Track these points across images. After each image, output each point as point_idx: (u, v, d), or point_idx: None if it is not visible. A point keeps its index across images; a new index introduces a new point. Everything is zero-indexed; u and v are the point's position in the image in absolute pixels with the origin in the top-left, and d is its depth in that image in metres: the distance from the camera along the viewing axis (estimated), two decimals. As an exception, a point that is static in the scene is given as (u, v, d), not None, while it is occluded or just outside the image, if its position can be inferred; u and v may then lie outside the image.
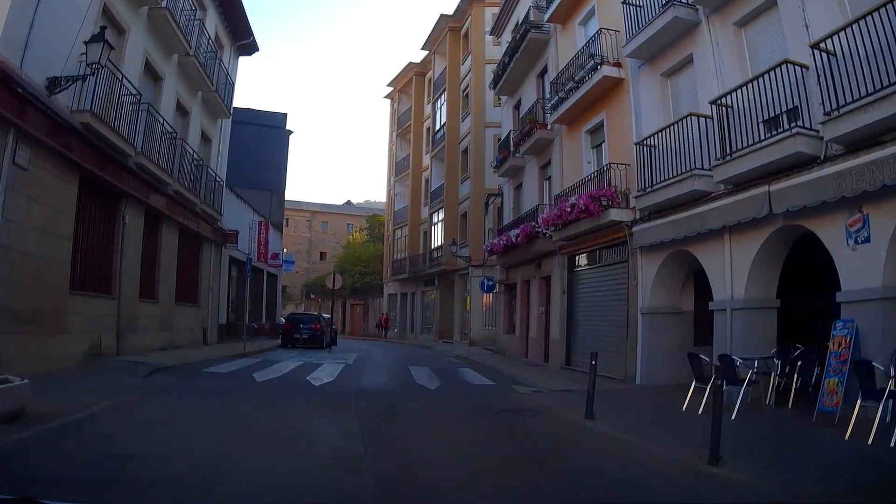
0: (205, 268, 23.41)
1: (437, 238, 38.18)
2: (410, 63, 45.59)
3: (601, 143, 18.34)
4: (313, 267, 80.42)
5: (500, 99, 30.96)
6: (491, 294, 29.87)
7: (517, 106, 26.24)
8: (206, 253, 23.43)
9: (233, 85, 25.29)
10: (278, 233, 37.61)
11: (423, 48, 43.69)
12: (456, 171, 36.77)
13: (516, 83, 25.68)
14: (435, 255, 37.89)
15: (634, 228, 15.25)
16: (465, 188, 35.46)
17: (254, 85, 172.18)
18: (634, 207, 15.46)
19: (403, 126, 47.10)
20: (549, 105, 20.63)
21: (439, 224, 37.88)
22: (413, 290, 43.53)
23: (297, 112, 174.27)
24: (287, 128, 40.33)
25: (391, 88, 50.46)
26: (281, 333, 29.05)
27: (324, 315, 36.20)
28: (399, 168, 47.61)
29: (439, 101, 40.07)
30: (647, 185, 14.32)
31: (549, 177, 22.07)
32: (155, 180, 17.29)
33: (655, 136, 14.03)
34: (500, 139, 33.01)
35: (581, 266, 19.15)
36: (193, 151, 20.80)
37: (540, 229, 20.26)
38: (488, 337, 32.27)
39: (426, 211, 41.24)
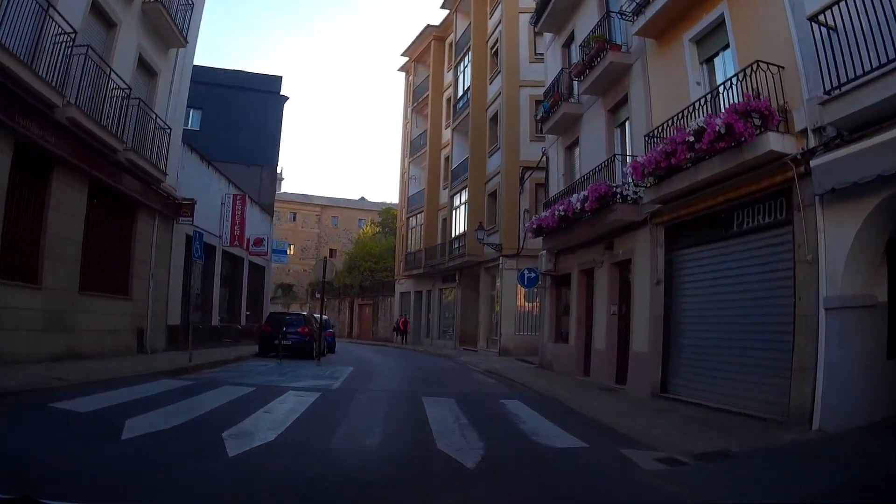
0: (141, 247, 17.06)
1: (459, 224, 31.68)
2: (428, 26, 39.21)
3: (719, 52, 11.86)
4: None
5: (537, 46, 24.49)
6: (533, 290, 23.36)
7: (568, 43, 19.76)
8: (143, 226, 17.10)
9: (191, 6, 18.93)
10: (267, 216, 31.30)
11: (442, 6, 37.35)
12: (482, 144, 30.28)
13: (567, 12, 19.19)
14: (456, 246, 31.40)
15: (815, 162, 8.68)
16: (495, 162, 28.95)
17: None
18: (806, 129, 8.97)
19: (420, 99, 40.69)
20: (630, 10, 14.13)
21: (462, 208, 31.38)
22: (429, 288, 37.06)
23: (308, 100, 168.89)
24: (282, 93, 34.04)
25: (406, 59, 44.07)
26: (258, 339, 22.63)
27: (317, 315, 29.81)
28: (414, 147, 41.20)
29: (462, 65, 33.62)
30: (833, 87, 7.92)
31: (626, 120, 15.60)
32: (33, 98, 10.98)
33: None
34: (538, 100, 26.65)
35: (691, 240, 12.53)
36: (120, 79, 14.48)
37: (619, 189, 13.74)
38: (524, 345, 25.71)
39: (445, 195, 34.78)
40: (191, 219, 18.92)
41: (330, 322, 29.46)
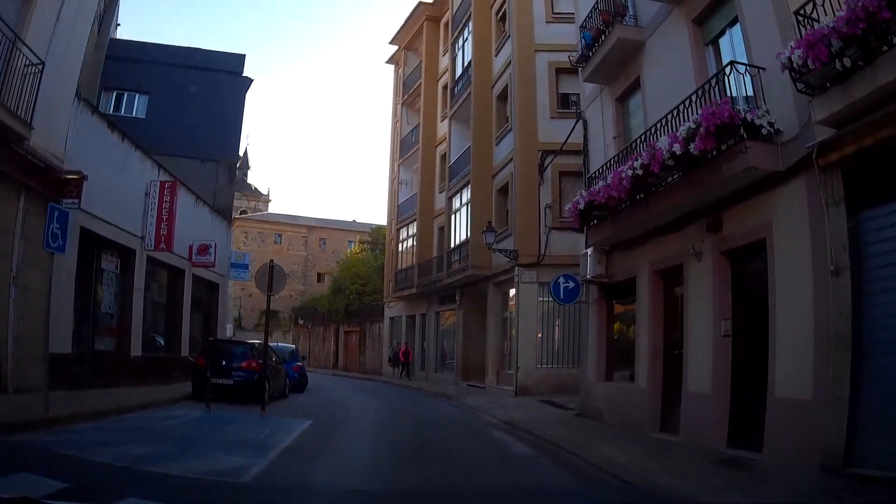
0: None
1: (460, 232, 25.67)
2: (421, 4, 33.52)
3: None
4: (310, 290, 68.24)
5: (555, 3, 18.81)
6: (563, 307, 17.47)
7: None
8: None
9: None
10: (222, 221, 25.24)
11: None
12: (487, 129, 24.41)
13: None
14: (456, 258, 25.37)
15: None
16: (504, 149, 23.07)
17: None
18: None
19: (411, 90, 34.89)
20: None
21: (462, 210, 25.40)
22: (423, 311, 30.90)
23: (294, 115, 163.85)
24: (245, 74, 28.22)
25: (395, 48, 38.41)
26: (190, 376, 16.44)
27: (283, 345, 23.77)
28: (405, 147, 35.32)
29: (461, 39, 27.90)
30: None
31: (725, 29, 9.81)
32: None
33: None
34: (559, 67, 21.03)
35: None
36: None
37: (750, 117, 7.85)
38: (547, 380, 19.67)
39: (442, 199, 28.84)
40: (76, 201, 12.90)
41: (298, 353, 23.26)
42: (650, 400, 11.48)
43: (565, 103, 21.31)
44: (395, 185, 36.30)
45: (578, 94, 17.72)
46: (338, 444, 10.32)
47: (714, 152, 8.31)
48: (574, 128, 17.06)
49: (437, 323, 29.73)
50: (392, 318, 35.69)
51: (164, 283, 20.57)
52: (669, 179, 9.51)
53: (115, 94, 24.92)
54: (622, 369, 13.49)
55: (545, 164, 20.87)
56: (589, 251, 13.60)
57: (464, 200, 25.17)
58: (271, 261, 13.75)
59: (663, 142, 9.06)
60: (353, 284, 46.39)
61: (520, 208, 21.06)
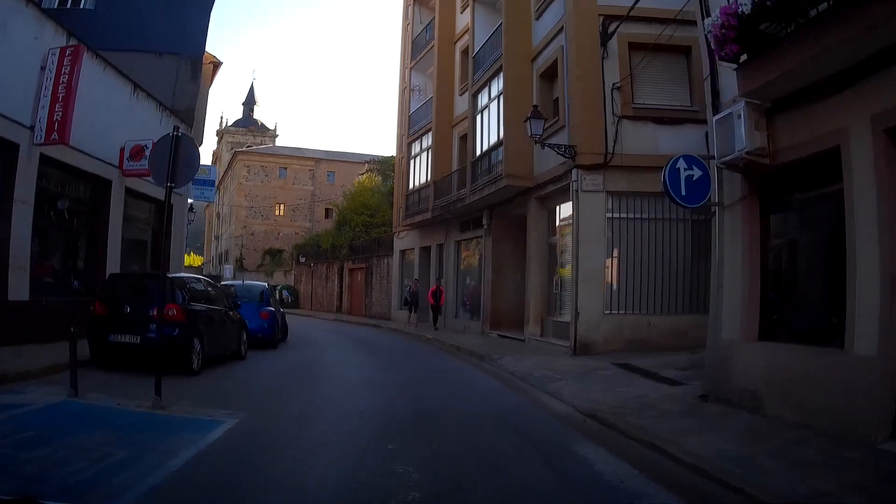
0: None
1: (490, 134, 19.44)
2: None
3: None
4: (317, 227, 62.61)
5: None
6: (654, 224, 11.64)
7: None
8: None
9: None
10: (184, 126, 19.13)
11: None
12: (524, 1, 18.12)
13: None
14: (485, 167, 19.28)
15: None
16: (548, 22, 16.74)
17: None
18: None
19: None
20: None
21: (493, 106, 19.12)
22: (441, 241, 25.01)
23: (303, 59, 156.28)
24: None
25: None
26: (87, 331, 10.70)
27: (245, 283, 18.23)
28: (417, 48, 28.88)
29: None
30: None
31: None
32: None
33: None
34: None
35: None
36: None
37: None
38: (620, 334, 13.95)
39: (463, 103, 22.64)
40: None
41: (271, 294, 17.36)
42: (879, 381, 5.66)
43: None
44: (406, 93, 29.96)
45: None
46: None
47: None
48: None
49: (458, 255, 23.84)
50: (402, 252, 29.81)
51: (81, 197, 14.77)
52: None
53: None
54: (794, 323, 7.65)
55: (610, 32, 14.63)
56: (739, 110, 7.53)
57: (493, 93, 18.92)
58: (175, 128, 7.81)
59: None
60: (360, 216, 40.55)
61: (575, 92, 14.88)
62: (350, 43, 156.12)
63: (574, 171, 14.15)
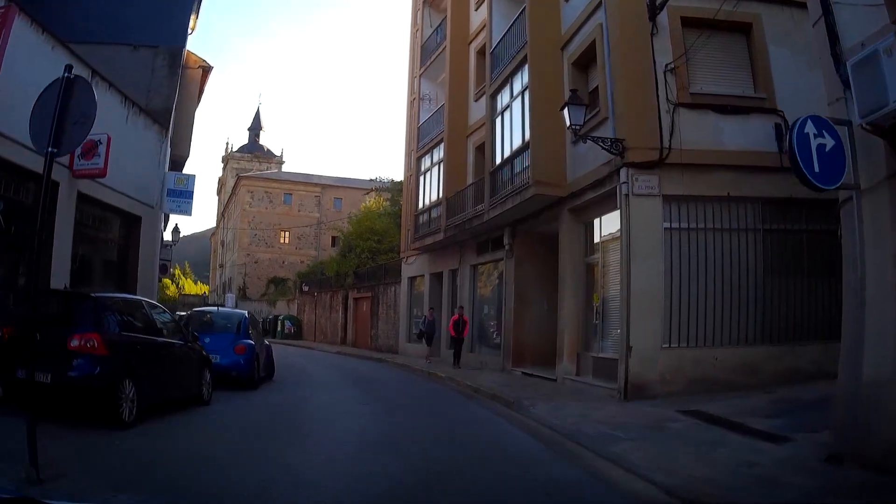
0: None
1: (513, 137, 16.68)
2: None
3: None
4: (323, 255, 59.91)
5: None
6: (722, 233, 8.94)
7: None
8: None
9: None
10: (156, 127, 16.52)
11: None
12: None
13: None
14: (506, 176, 16.52)
15: None
16: (579, 2, 14.17)
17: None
18: None
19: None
20: None
21: (516, 105, 16.37)
22: (454, 265, 22.18)
23: (311, 84, 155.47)
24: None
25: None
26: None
27: (221, 310, 15.58)
28: (427, 53, 26.38)
29: None
30: None
31: None
32: None
33: None
34: None
35: None
36: None
37: None
38: (682, 373, 10.98)
39: (478, 110, 20.10)
40: None
41: (248, 324, 13.94)
42: None
43: None
44: (415, 105, 27.43)
45: None
46: None
47: None
48: None
49: (474, 281, 21.01)
50: (411, 279, 27.00)
51: (22, 199, 12.08)
52: None
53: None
54: None
55: (660, 4, 12.02)
56: (889, 44, 4.82)
57: (516, 90, 16.25)
58: (68, 68, 5.13)
59: None
60: (366, 241, 37.88)
61: (620, 76, 12.17)
62: (357, 63, 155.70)
63: (623, 172, 11.35)
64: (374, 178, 65.47)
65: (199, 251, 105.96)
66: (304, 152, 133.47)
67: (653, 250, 11.14)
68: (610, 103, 12.29)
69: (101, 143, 12.59)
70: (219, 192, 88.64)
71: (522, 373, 15.96)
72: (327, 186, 68.09)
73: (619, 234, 11.66)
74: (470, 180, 20.09)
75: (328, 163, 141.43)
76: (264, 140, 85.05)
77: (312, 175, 72.06)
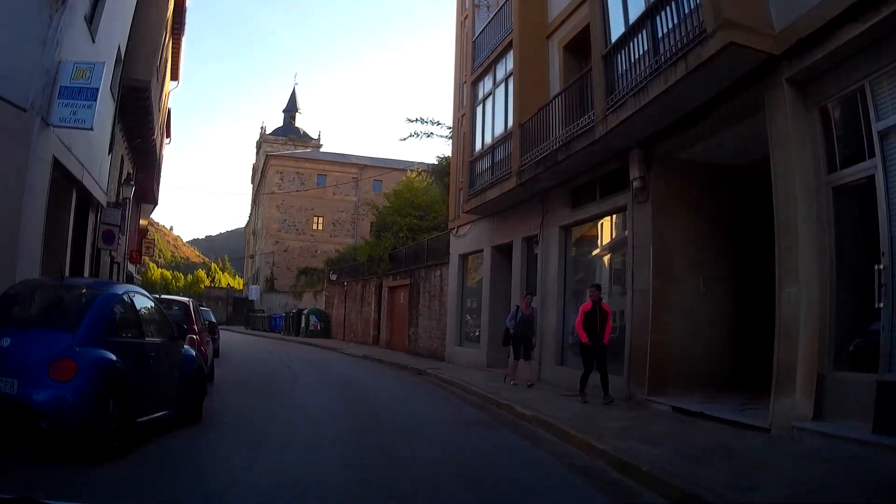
0: None
1: (616, 22, 9.36)
2: None
3: None
4: (360, 242, 52.73)
5: None
6: None
7: None
8: None
9: None
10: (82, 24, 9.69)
11: None
12: None
13: None
14: (638, 54, 9.18)
15: None
16: None
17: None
18: None
19: None
20: None
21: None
22: (532, 232, 14.73)
23: (350, 64, 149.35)
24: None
25: None
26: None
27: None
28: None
29: None
30: None
31: None
32: None
33: None
34: None
35: None
36: None
37: None
38: None
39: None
40: None
41: (102, 311, 6.36)
42: None
43: None
44: (468, 22, 20.09)
45: None
46: None
47: None
48: None
49: (566, 251, 13.56)
50: (463, 257, 19.66)
51: None
52: None
53: None
54: None
55: None
56: None
57: None
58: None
59: None
60: (405, 218, 30.75)
61: None
62: (402, 36, 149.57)
63: None
64: (418, 161, 58.21)
65: (241, 248, 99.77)
66: (343, 136, 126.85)
67: None
68: None
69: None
70: (252, 181, 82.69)
71: (673, 408, 8.64)
72: (366, 167, 61.23)
73: None
74: (558, 87, 12.75)
75: (368, 147, 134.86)
76: (300, 122, 78.63)
77: (350, 155, 65.39)
